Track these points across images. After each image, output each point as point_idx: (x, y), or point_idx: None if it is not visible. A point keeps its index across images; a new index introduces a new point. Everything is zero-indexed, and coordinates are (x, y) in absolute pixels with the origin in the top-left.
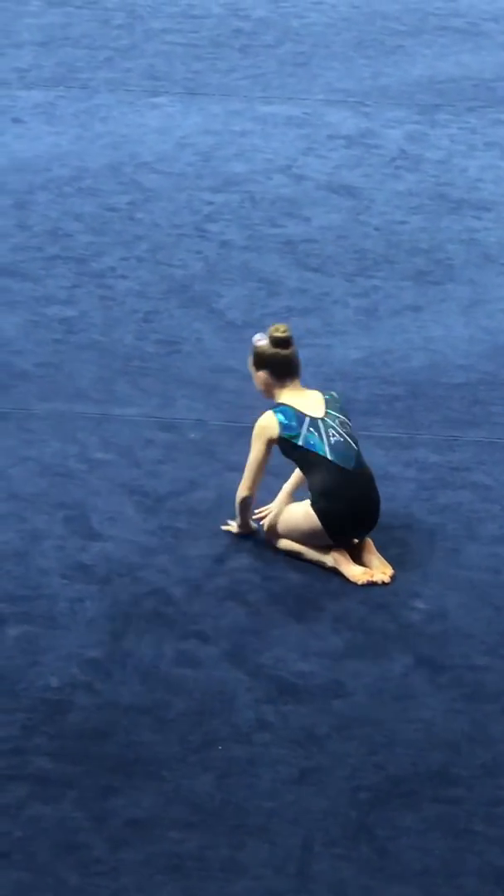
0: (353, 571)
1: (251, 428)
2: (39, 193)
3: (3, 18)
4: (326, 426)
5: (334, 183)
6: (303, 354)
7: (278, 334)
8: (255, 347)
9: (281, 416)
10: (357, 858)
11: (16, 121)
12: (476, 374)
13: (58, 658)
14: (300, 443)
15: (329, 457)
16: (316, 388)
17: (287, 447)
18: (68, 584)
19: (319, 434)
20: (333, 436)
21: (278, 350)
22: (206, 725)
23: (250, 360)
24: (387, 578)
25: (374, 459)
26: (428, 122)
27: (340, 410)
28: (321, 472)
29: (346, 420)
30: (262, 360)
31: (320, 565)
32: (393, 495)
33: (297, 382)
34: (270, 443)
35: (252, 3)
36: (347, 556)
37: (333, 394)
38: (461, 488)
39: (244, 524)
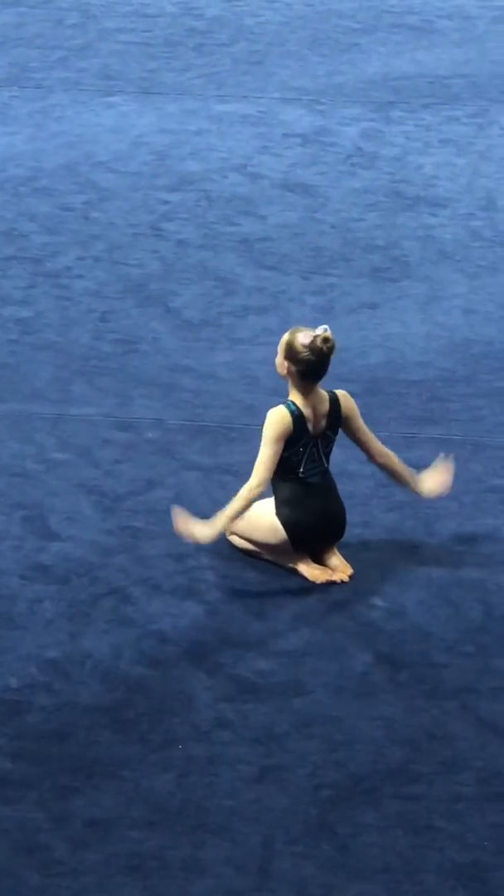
0: (313, 571)
1: (209, 426)
2: None
3: None
4: (315, 446)
5: (290, 181)
6: (260, 353)
7: (326, 346)
8: (298, 339)
9: (291, 415)
10: (318, 856)
11: None
12: (433, 371)
13: (16, 658)
14: (288, 450)
15: (301, 473)
16: (327, 390)
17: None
18: (27, 585)
19: (306, 453)
20: (314, 456)
21: (314, 356)
22: (165, 725)
23: (283, 342)
24: (346, 578)
25: (332, 457)
26: (383, 120)
27: (333, 426)
28: (288, 483)
29: (334, 437)
30: (294, 355)
31: (279, 564)
32: (351, 493)
33: (316, 386)
34: (285, 436)
35: (206, 1)
36: (307, 556)
37: (340, 396)
38: None
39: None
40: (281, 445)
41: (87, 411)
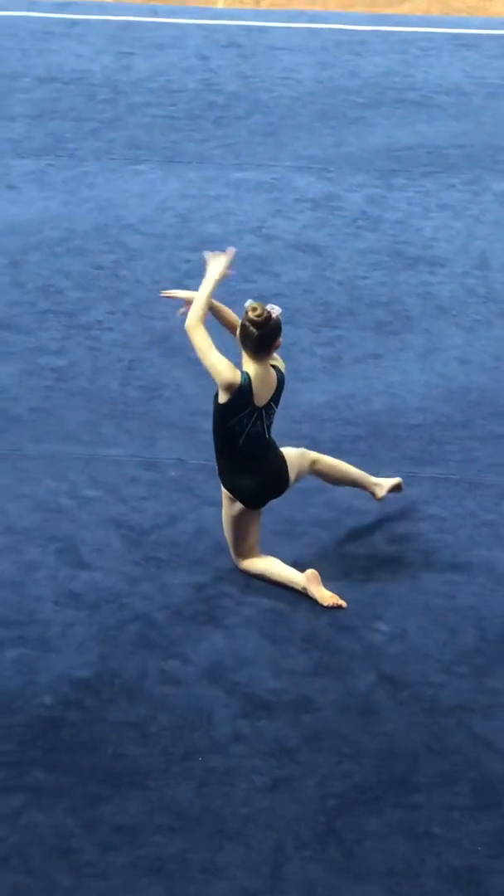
0: (322, 593)
1: None
2: (32, 253)
3: None
4: (259, 417)
5: (301, 242)
6: None
7: (252, 315)
8: (246, 311)
9: (244, 383)
10: (326, 860)
11: (10, 187)
12: (432, 416)
13: (51, 678)
14: (232, 419)
15: (241, 444)
16: (275, 362)
17: (226, 411)
18: (60, 611)
19: (249, 424)
20: (255, 426)
21: (250, 325)
22: (186, 739)
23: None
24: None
25: (339, 494)
26: (386, 187)
27: (278, 398)
28: (230, 457)
29: (275, 407)
30: (242, 326)
31: (290, 586)
32: (357, 527)
33: (263, 361)
34: (225, 383)
35: (225, 78)
36: (318, 579)
37: (281, 369)
38: (419, 520)
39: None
40: (221, 367)
41: (116, 452)
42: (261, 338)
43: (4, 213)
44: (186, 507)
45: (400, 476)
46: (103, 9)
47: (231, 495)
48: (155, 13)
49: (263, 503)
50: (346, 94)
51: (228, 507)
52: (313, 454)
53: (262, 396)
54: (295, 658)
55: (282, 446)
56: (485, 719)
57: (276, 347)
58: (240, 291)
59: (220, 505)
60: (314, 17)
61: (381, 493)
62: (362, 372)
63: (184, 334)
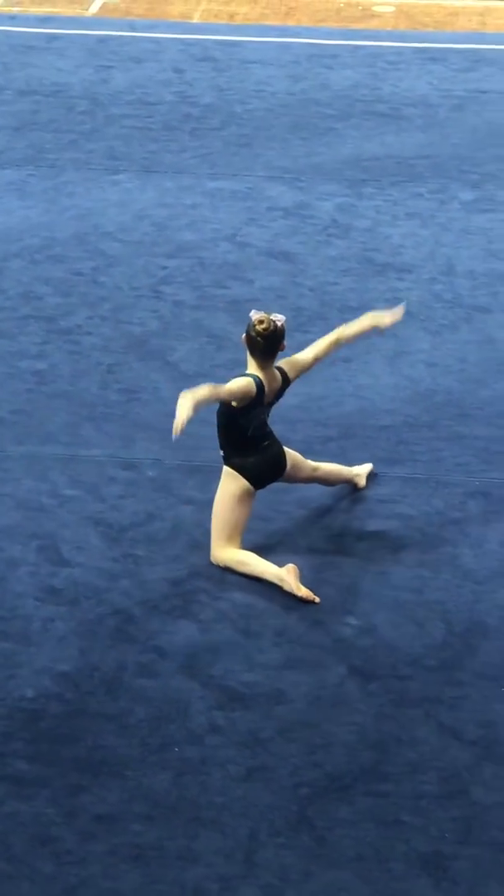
0: (299, 588)
1: (202, 466)
2: (13, 261)
3: None
4: (264, 413)
5: (274, 249)
6: None
7: (259, 328)
8: (251, 320)
9: (256, 386)
10: (298, 846)
11: None
12: (400, 418)
13: (32, 672)
14: (242, 418)
15: (249, 434)
16: (277, 363)
17: (238, 412)
18: (41, 606)
19: (256, 419)
20: (260, 419)
21: (255, 335)
22: (163, 730)
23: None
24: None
25: (311, 492)
26: (356, 195)
27: (279, 397)
28: (237, 441)
29: (276, 402)
30: (248, 336)
31: (264, 579)
32: (328, 524)
33: (269, 365)
34: (246, 396)
35: (200, 91)
36: (297, 574)
37: (287, 371)
38: (388, 518)
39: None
40: (237, 401)
41: (95, 452)
42: (268, 346)
43: None
44: (163, 505)
45: (368, 475)
46: (82, 24)
47: (236, 474)
48: (132, 28)
49: (266, 483)
50: (317, 107)
51: (229, 487)
52: (312, 462)
53: (268, 396)
54: (268, 651)
55: None
56: (451, 710)
57: (282, 350)
58: (215, 297)
59: (198, 504)
60: (286, 32)
61: (362, 482)
62: (333, 375)
63: (162, 338)
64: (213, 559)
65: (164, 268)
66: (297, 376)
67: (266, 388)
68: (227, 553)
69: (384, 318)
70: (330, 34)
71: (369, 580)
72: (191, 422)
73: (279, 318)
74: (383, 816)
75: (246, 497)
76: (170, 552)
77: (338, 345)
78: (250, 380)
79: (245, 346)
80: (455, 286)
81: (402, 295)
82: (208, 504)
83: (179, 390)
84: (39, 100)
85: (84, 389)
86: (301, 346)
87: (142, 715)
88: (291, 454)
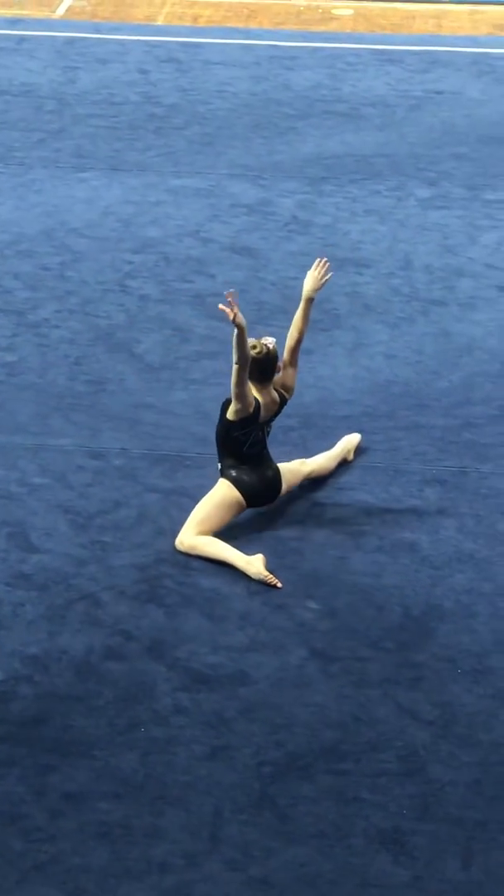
0: (265, 574)
1: (168, 455)
2: None
3: None
4: (260, 430)
5: (236, 245)
6: (209, 392)
7: (254, 353)
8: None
9: (255, 411)
10: (261, 824)
11: None
12: (359, 408)
13: (2, 655)
14: (238, 432)
15: (244, 450)
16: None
17: (234, 425)
18: (11, 591)
19: (252, 435)
20: (257, 438)
21: (253, 363)
22: (130, 711)
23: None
24: (279, 584)
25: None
26: (316, 193)
27: (274, 416)
28: (234, 457)
29: (269, 427)
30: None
31: (228, 564)
32: (289, 511)
33: (267, 386)
34: (244, 403)
35: (164, 91)
36: (263, 562)
37: (285, 393)
38: (347, 505)
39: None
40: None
41: (63, 442)
42: (263, 369)
43: None
44: (129, 493)
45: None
46: (50, 26)
47: (231, 486)
48: (98, 30)
49: (258, 503)
50: (278, 106)
51: (222, 491)
52: (307, 468)
53: (264, 415)
54: (232, 635)
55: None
56: (409, 691)
57: (278, 371)
58: (178, 291)
59: (163, 491)
60: (248, 34)
61: (350, 456)
62: None
63: (128, 331)
64: (178, 544)
65: (130, 263)
66: (291, 389)
67: (262, 409)
68: (193, 542)
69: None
70: (290, 36)
71: (330, 565)
72: (155, 411)
73: (270, 342)
74: (343, 794)
75: (234, 505)
76: (136, 539)
77: (299, 340)
78: (254, 402)
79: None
80: (412, 280)
81: (361, 289)
82: (173, 492)
83: (145, 382)
84: (9, 99)
85: (52, 381)
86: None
87: (109, 697)
88: (285, 472)
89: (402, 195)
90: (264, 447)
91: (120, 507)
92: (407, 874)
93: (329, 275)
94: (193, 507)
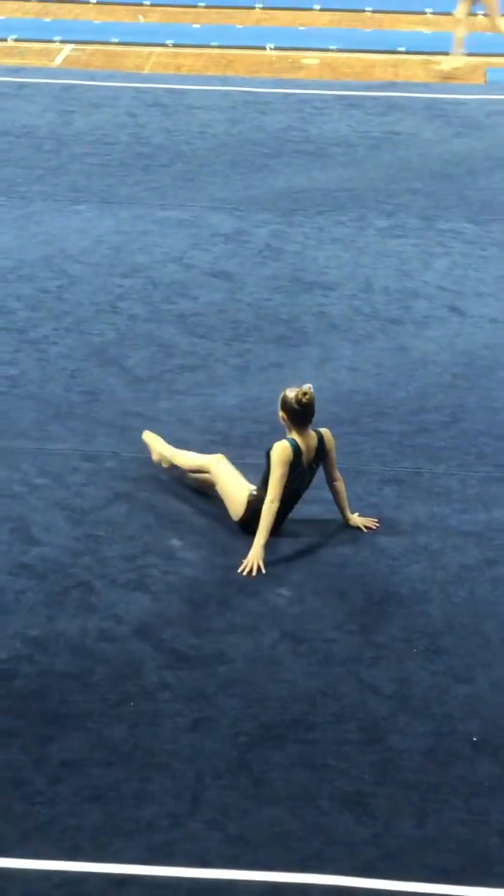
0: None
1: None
2: None
3: None
4: (303, 473)
5: (215, 269)
6: (191, 402)
7: (304, 399)
8: (287, 396)
9: (292, 448)
10: (238, 787)
11: None
12: (325, 415)
13: (5, 637)
14: (281, 473)
15: (290, 488)
16: (313, 430)
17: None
18: (14, 579)
19: (295, 477)
20: (297, 479)
21: (300, 406)
22: (120, 687)
23: (280, 399)
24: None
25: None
26: (287, 223)
27: (318, 458)
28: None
29: (316, 467)
30: (285, 404)
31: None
32: None
33: (306, 428)
34: (288, 463)
35: (151, 132)
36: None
37: (323, 433)
38: (314, 503)
39: (269, 531)
40: (286, 469)
41: (61, 446)
42: (304, 416)
43: None
44: (121, 492)
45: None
46: (48, 74)
47: (244, 498)
48: (92, 78)
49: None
50: (253, 146)
51: (225, 471)
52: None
53: (307, 456)
54: (211, 618)
55: (198, 441)
56: (370, 668)
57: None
58: (164, 311)
59: (150, 490)
60: (226, 82)
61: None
62: (266, 378)
63: (118, 347)
64: (158, 457)
65: (120, 286)
66: (330, 452)
67: (304, 450)
68: (176, 458)
69: (356, 524)
70: (263, 83)
71: (299, 557)
72: (143, 419)
73: (308, 388)
74: (311, 761)
75: (227, 471)
76: (126, 532)
77: (336, 488)
78: (286, 443)
79: (284, 418)
80: (372, 301)
81: (327, 309)
82: (161, 490)
83: (133, 392)
84: (11, 140)
85: (51, 392)
86: (241, 354)
87: (102, 674)
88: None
89: (364, 225)
90: (302, 494)
91: (111, 505)
92: (368, 832)
93: (371, 528)
94: (178, 506)
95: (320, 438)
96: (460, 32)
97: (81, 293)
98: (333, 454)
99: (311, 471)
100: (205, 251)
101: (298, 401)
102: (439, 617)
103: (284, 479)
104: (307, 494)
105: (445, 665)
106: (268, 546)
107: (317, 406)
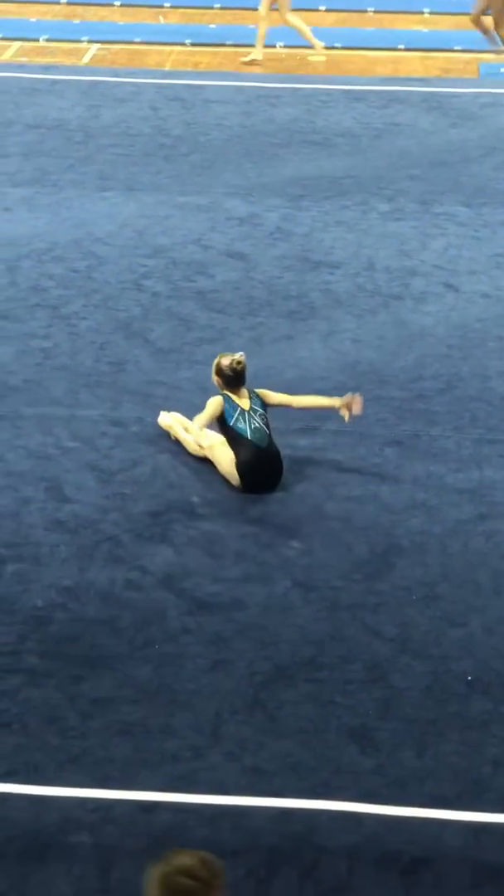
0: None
1: None
2: (24, 261)
3: None
4: (250, 417)
5: (231, 250)
6: (209, 371)
7: (238, 367)
8: (220, 362)
9: (226, 402)
10: (253, 723)
11: (6, 210)
12: (331, 383)
13: (41, 587)
14: (231, 423)
15: (250, 438)
16: (245, 387)
17: (223, 423)
18: (48, 534)
19: (245, 422)
20: (254, 424)
21: (232, 372)
22: (146, 631)
23: (214, 364)
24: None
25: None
26: (296, 208)
27: (260, 405)
28: (244, 448)
29: (264, 412)
30: (220, 371)
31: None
32: None
33: (238, 389)
34: (217, 411)
35: (172, 125)
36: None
37: (257, 391)
38: (321, 463)
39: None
40: (216, 410)
41: (91, 413)
42: (236, 379)
43: (2, 230)
44: (145, 454)
45: (306, 428)
46: (77, 71)
47: (230, 453)
48: (117, 75)
49: (253, 480)
50: (264, 137)
51: (217, 455)
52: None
53: (242, 403)
54: (229, 569)
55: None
56: (374, 614)
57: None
58: (184, 288)
59: (172, 452)
60: (240, 78)
61: (346, 412)
62: (278, 350)
63: (142, 322)
64: (163, 423)
65: (144, 266)
66: (266, 405)
67: (235, 399)
68: (175, 429)
69: (335, 402)
70: (274, 79)
71: (308, 512)
72: (166, 387)
73: (240, 356)
74: (320, 698)
75: (219, 454)
76: (151, 491)
77: (293, 408)
78: (216, 396)
79: (218, 382)
80: (374, 279)
81: (333, 286)
82: (180, 453)
83: (157, 363)
84: (44, 132)
85: (81, 363)
86: (254, 328)
87: (129, 620)
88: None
89: (366, 209)
90: (269, 436)
91: (137, 466)
92: (372, 763)
93: (358, 412)
94: (198, 467)
95: (254, 394)
96: (262, 28)
97: (108, 272)
98: (274, 395)
99: (256, 412)
100: (221, 233)
101: (232, 368)
102: (436, 567)
103: (211, 416)
104: (315, 455)
105: (442, 611)
106: (279, 504)
107: (324, 375)
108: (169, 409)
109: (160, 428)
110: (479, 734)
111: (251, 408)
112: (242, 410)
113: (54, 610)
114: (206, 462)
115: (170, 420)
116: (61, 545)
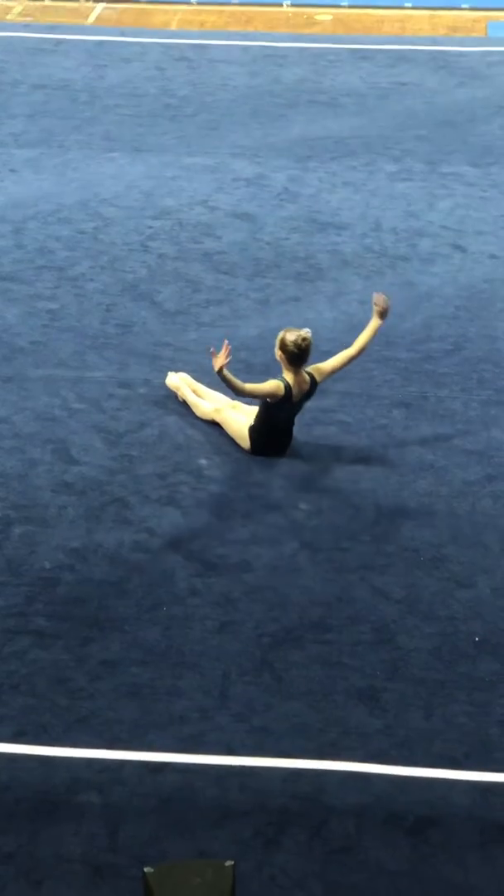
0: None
1: None
2: (30, 222)
3: (1, 98)
4: (292, 409)
5: (238, 211)
6: (216, 332)
7: (303, 344)
8: (286, 337)
9: (284, 388)
10: (261, 684)
11: (12, 171)
12: (338, 344)
13: (49, 548)
14: (273, 410)
15: (280, 427)
16: (307, 369)
17: (270, 405)
18: (55, 496)
19: (286, 412)
20: (292, 415)
21: (298, 350)
22: (154, 593)
23: (278, 338)
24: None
25: None
26: (302, 168)
27: (307, 396)
28: (267, 423)
29: (305, 400)
30: (284, 347)
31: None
32: None
33: (300, 368)
34: (273, 396)
35: (177, 85)
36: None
37: (311, 371)
38: (329, 425)
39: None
40: (265, 394)
41: (97, 374)
42: (300, 358)
43: (8, 192)
44: (152, 416)
45: (315, 391)
46: (83, 31)
47: (244, 425)
48: (123, 34)
49: (267, 450)
50: (271, 97)
51: (228, 418)
52: (328, 366)
53: (296, 396)
54: (236, 531)
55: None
56: (381, 575)
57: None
58: (191, 250)
59: (180, 414)
60: (246, 37)
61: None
62: (285, 311)
63: (149, 283)
64: (182, 399)
65: (151, 227)
66: (323, 380)
67: (295, 390)
68: (183, 390)
69: (374, 321)
70: (281, 38)
71: (316, 474)
72: (172, 349)
73: (307, 333)
74: (328, 659)
75: (229, 417)
76: (158, 453)
77: (355, 357)
78: (279, 382)
79: (282, 357)
80: (381, 240)
81: (340, 247)
82: (188, 415)
83: (163, 325)
84: (49, 92)
85: (88, 324)
86: (261, 289)
87: (137, 582)
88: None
89: (373, 170)
90: (293, 425)
91: (144, 427)
92: (379, 723)
93: (385, 305)
94: (205, 428)
95: (312, 379)
96: None
97: (115, 234)
98: (328, 364)
99: (299, 406)
100: (228, 195)
101: (297, 345)
102: (444, 528)
103: (262, 394)
104: (323, 417)
105: (450, 572)
106: (287, 466)
107: (332, 336)
108: (176, 370)
109: (167, 389)
110: (486, 695)
111: (299, 402)
112: (292, 405)
113: (62, 572)
114: (213, 424)
115: (177, 381)
116: (69, 507)
